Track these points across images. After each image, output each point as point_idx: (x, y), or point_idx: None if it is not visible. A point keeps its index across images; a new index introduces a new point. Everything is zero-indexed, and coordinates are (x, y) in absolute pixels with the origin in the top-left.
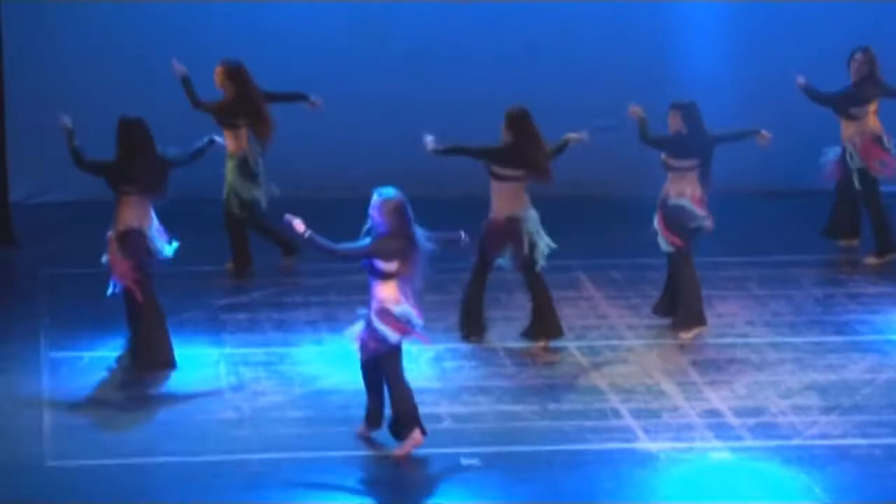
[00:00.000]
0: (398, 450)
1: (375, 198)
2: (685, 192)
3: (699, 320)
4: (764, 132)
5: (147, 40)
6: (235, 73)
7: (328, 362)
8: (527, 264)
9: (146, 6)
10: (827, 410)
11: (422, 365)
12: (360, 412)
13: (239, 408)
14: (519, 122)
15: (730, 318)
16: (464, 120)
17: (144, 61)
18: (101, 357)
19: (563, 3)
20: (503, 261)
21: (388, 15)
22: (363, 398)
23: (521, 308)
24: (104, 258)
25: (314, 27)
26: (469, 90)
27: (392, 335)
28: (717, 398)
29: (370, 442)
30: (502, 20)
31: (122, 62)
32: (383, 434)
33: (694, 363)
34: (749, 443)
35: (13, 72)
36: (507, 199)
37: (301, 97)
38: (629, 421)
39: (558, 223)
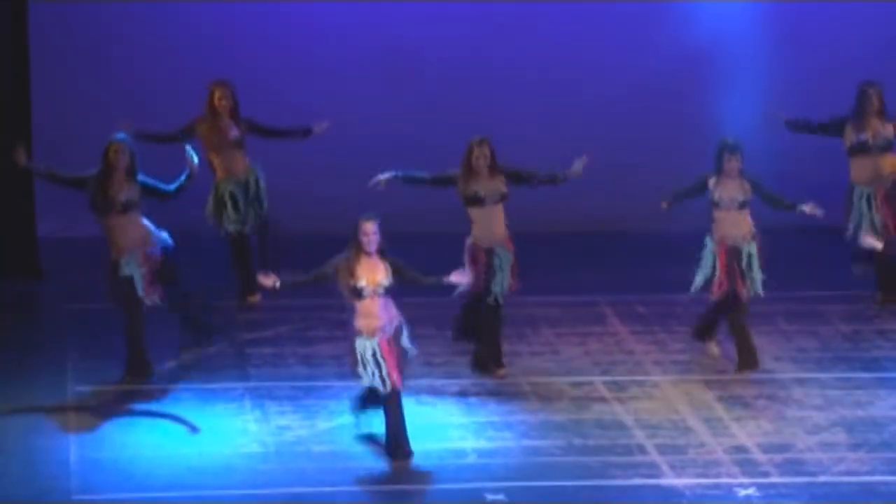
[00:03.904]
0: None
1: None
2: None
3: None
4: (807, 208)
5: (179, 72)
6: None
7: (352, 397)
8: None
9: (178, 39)
10: (855, 447)
11: (447, 399)
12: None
13: (264, 442)
14: (467, 151)
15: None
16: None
17: (176, 93)
18: (127, 391)
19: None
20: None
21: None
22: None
23: (547, 343)
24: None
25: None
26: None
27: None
28: (743, 434)
29: (397, 477)
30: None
31: (152, 98)
32: (405, 470)
33: (720, 399)
34: (776, 479)
35: (41, 107)
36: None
37: (303, 132)
38: (655, 457)
39: (584, 258)
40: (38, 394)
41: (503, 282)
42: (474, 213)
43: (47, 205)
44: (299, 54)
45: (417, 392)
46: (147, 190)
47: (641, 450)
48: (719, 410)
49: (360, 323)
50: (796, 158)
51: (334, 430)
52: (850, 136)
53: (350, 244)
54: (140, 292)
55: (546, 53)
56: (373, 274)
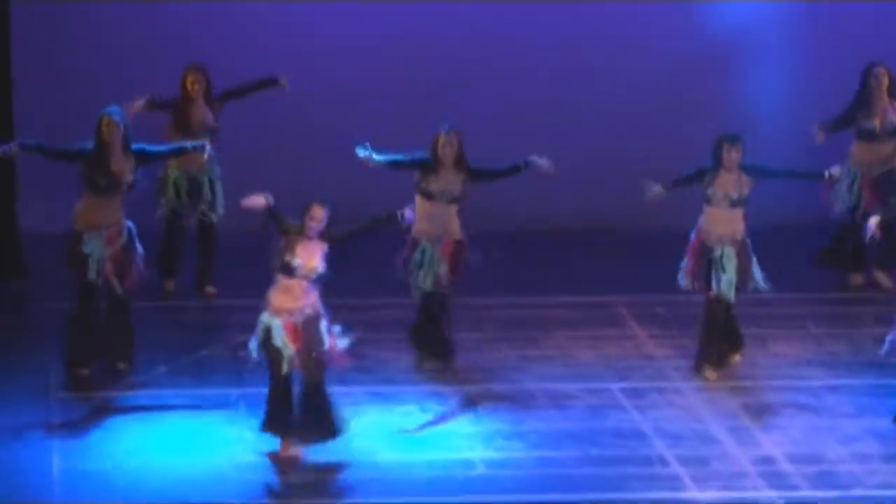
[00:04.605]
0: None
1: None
2: None
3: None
4: (835, 172)
5: (164, 65)
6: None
7: (354, 403)
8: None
9: (165, 30)
10: (889, 458)
11: (453, 407)
12: (391, 456)
13: (260, 452)
14: (434, 140)
15: (784, 359)
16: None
17: (161, 83)
18: (112, 396)
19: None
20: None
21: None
22: (393, 442)
23: (559, 347)
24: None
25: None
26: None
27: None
28: (770, 444)
29: (402, 489)
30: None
31: (137, 70)
32: (410, 482)
33: (745, 406)
34: (805, 492)
35: (23, 98)
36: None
37: (268, 83)
38: (676, 468)
39: (599, 256)
40: (20, 400)
41: (427, 278)
42: (421, 204)
43: (30, 198)
44: (293, 51)
45: (421, 398)
46: (142, 157)
47: (662, 461)
48: (745, 418)
49: (274, 299)
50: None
51: None
52: (860, 121)
53: (298, 223)
54: (92, 274)
55: (558, 50)
56: (311, 258)
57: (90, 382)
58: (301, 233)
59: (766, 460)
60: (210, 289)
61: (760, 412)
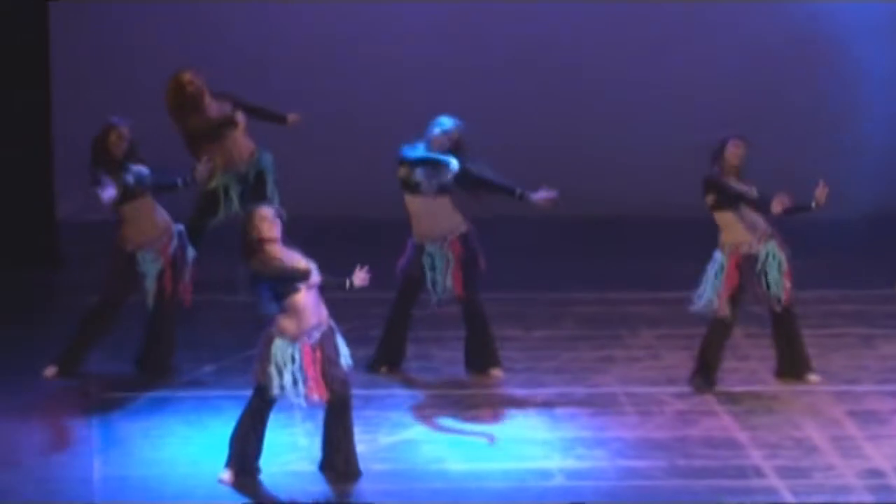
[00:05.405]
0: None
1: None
2: None
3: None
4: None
5: (200, 48)
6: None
7: (419, 407)
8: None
9: (203, 16)
10: None
11: (529, 412)
12: (460, 465)
13: (316, 459)
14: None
15: (894, 361)
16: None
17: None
18: (156, 397)
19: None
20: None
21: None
22: (463, 449)
23: (646, 346)
24: None
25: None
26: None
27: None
28: (878, 455)
29: (469, 499)
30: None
31: (174, 67)
32: (481, 493)
33: (851, 414)
34: None
35: (61, 82)
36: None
37: (279, 118)
38: (774, 481)
39: (689, 247)
40: (56, 400)
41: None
42: (411, 203)
43: (68, 185)
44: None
45: (495, 403)
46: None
47: (758, 472)
48: (850, 427)
49: (285, 322)
50: None
51: (397, 445)
52: None
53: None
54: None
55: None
56: (297, 260)
57: (132, 382)
58: (265, 243)
59: (874, 473)
60: None
61: (868, 420)
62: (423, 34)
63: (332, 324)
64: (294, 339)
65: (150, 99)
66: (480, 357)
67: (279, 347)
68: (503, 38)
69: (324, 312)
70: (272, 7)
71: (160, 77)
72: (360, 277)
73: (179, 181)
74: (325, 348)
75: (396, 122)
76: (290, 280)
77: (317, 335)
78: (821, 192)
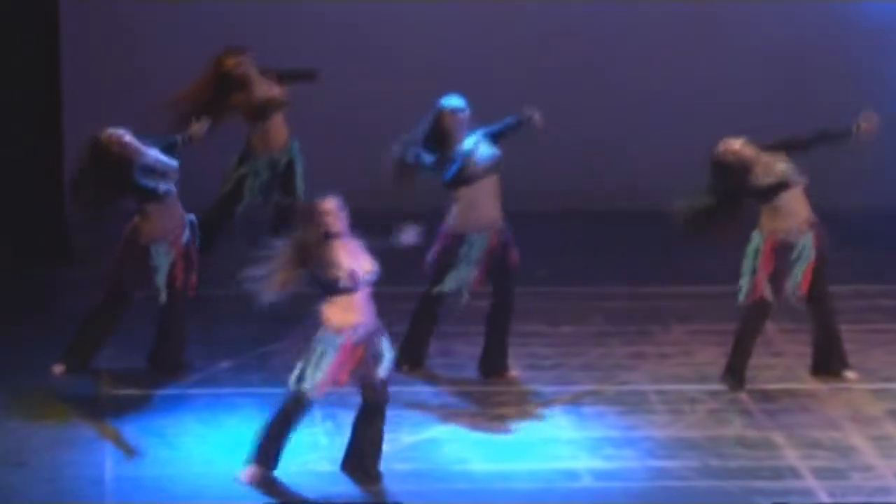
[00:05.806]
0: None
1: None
2: None
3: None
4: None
5: (210, 49)
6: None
7: (443, 405)
8: None
9: (213, 17)
10: None
11: (556, 410)
12: (485, 465)
13: (336, 459)
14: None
15: None
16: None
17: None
18: (170, 395)
19: None
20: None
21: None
22: (488, 449)
23: (678, 343)
24: None
25: None
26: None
27: None
28: None
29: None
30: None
31: (184, 66)
32: (507, 494)
33: (891, 413)
34: None
35: (72, 83)
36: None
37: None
38: (810, 482)
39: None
40: (66, 397)
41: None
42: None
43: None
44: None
45: (521, 401)
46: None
47: (794, 473)
48: (890, 427)
49: (334, 315)
50: None
51: (420, 444)
52: None
53: (306, 232)
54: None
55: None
56: (359, 259)
57: (145, 379)
58: (327, 237)
59: None
60: None
61: None
62: (430, 34)
63: (381, 326)
64: (338, 332)
65: (161, 99)
66: (501, 358)
67: (321, 339)
68: (517, 38)
69: (372, 312)
70: (283, 7)
71: (170, 78)
72: (409, 235)
73: (179, 139)
74: (368, 348)
75: (398, 119)
76: (333, 292)
77: (362, 332)
78: (867, 118)
